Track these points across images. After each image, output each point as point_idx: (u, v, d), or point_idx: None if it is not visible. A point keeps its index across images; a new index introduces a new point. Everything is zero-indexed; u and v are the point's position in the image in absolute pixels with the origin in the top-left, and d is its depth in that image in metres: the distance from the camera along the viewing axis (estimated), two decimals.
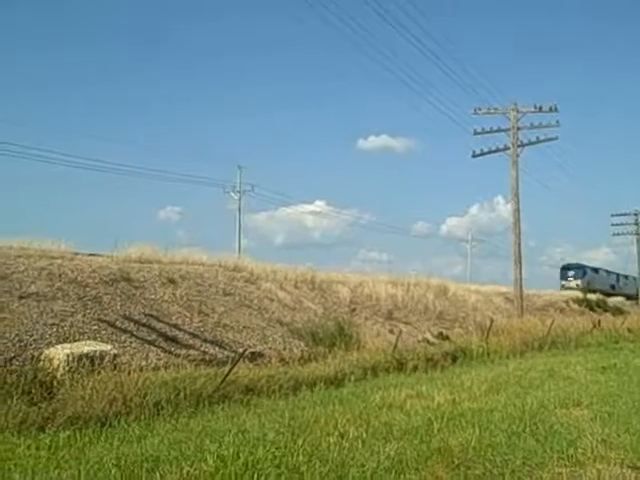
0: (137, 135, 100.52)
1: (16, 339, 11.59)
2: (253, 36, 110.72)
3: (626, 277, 66.20)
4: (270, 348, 16.08)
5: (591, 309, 43.86)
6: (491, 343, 20.41)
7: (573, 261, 63.95)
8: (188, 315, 15.94)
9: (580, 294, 47.63)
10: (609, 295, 55.34)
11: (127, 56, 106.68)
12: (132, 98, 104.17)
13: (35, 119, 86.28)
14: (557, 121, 30.31)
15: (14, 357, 10.95)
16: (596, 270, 62.48)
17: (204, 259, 20.97)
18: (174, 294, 16.72)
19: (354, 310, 22.54)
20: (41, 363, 10.55)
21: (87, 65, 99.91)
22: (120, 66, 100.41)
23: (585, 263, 63.15)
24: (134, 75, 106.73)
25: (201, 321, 15.99)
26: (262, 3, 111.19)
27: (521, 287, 30.39)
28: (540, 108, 30.12)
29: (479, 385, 12.34)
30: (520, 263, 30.40)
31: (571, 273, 58.62)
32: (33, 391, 9.38)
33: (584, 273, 58.76)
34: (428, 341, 21.32)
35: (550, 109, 29.90)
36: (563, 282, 57.63)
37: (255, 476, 5.97)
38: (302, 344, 17.00)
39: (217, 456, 6.62)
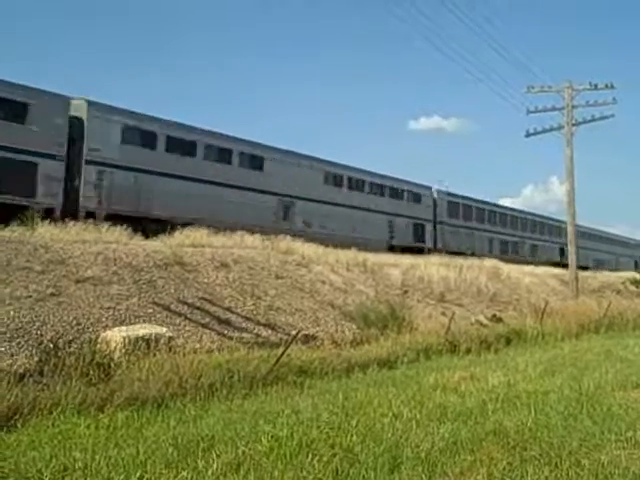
0: None
1: (74, 322, 11.86)
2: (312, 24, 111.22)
3: None
4: (322, 331, 16.12)
5: None
6: (546, 325, 20.07)
7: None
8: (241, 298, 16.07)
9: (638, 275, 46.63)
10: None
11: None
12: None
13: None
14: (614, 98, 29.43)
15: (72, 340, 11.17)
16: None
17: (256, 243, 21.11)
18: (227, 278, 16.88)
19: (406, 292, 22.44)
20: (98, 345, 10.75)
21: None
22: None
23: None
24: None
25: (254, 304, 16.10)
26: None
27: (576, 268, 29.86)
28: (596, 86, 29.23)
29: (534, 367, 12.16)
30: (575, 244, 29.88)
31: None
32: (91, 372, 9.54)
33: None
34: (481, 323, 21.08)
35: (606, 86, 28.96)
36: None
37: (309, 456, 5.99)
38: (354, 326, 16.98)
39: (271, 436, 6.67)
